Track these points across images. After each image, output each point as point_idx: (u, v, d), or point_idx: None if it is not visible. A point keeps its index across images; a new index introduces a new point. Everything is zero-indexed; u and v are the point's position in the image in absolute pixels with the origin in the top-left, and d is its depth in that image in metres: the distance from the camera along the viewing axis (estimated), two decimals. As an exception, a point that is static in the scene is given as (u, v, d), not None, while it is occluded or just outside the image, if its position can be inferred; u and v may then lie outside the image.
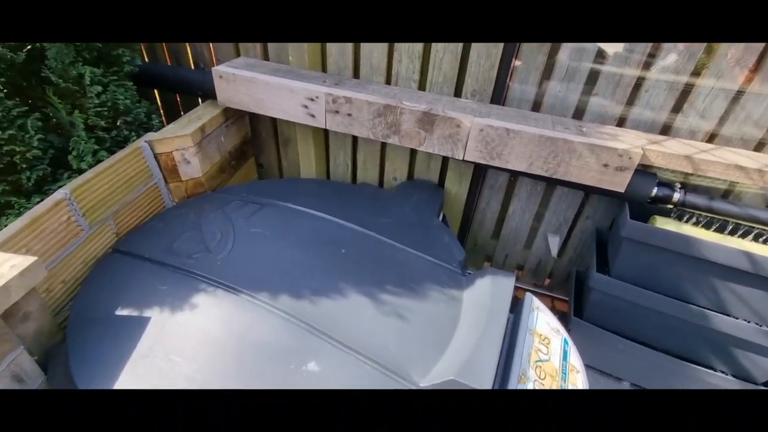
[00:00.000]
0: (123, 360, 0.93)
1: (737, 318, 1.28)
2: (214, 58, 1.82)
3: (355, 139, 1.85)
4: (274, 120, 1.94)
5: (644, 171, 1.34)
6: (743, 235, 1.28)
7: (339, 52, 1.60)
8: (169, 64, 1.89)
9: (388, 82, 1.61)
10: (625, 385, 1.59)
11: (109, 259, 1.24)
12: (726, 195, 1.41)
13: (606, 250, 1.54)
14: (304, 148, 1.89)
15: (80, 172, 1.26)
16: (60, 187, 1.17)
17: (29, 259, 0.90)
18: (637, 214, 1.33)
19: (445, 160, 1.76)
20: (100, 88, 1.29)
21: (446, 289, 1.19)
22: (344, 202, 1.56)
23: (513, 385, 0.94)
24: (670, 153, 1.24)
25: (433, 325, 1.07)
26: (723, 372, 1.38)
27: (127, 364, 0.92)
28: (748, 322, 1.27)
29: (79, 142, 1.26)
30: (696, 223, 1.34)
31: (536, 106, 1.50)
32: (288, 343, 0.97)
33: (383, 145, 1.81)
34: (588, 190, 1.52)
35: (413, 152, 1.79)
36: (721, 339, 1.32)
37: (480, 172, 1.71)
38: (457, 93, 1.55)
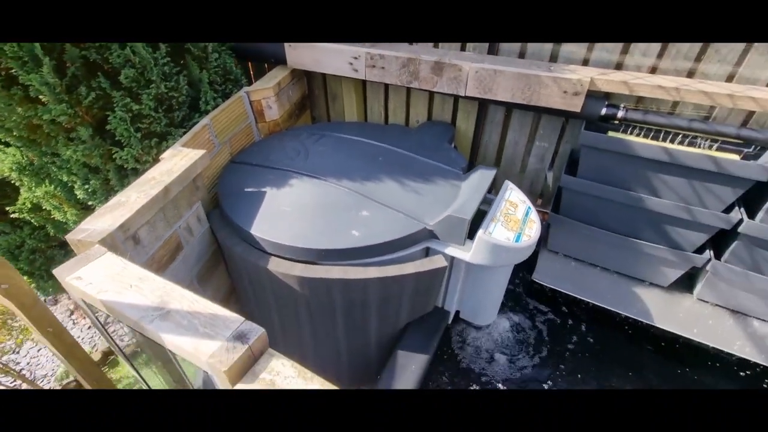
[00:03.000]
0: (253, 207, 1.59)
1: (665, 199, 1.76)
2: (280, 34, 2.44)
3: (386, 92, 2.43)
4: (324, 80, 2.55)
5: (596, 95, 1.82)
6: (672, 140, 1.75)
7: (374, 22, 2.17)
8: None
9: (410, 43, 2.16)
10: (596, 270, 2.10)
11: (230, 166, 1.91)
12: (672, 112, 1.87)
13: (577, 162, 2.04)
14: (348, 101, 2.50)
15: (206, 113, 1.92)
16: (198, 121, 1.84)
17: (201, 151, 1.57)
18: (595, 131, 1.82)
19: (456, 103, 2.30)
20: (216, 55, 1.94)
21: (450, 179, 1.76)
22: (379, 132, 2.15)
23: (486, 223, 1.51)
24: (611, 80, 1.73)
25: (439, 196, 1.65)
26: (661, 245, 1.87)
27: (256, 210, 1.58)
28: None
29: (207, 92, 1.92)
30: (638, 134, 1.82)
31: (521, 55, 2.01)
32: (349, 201, 1.60)
33: (408, 94, 2.37)
34: (557, 114, 2.02)
35: (431, 99, 2.34)
36: (656, 218, 1.81)
37: (482, 110, 2.25)
38: (462, 48, 2.08)
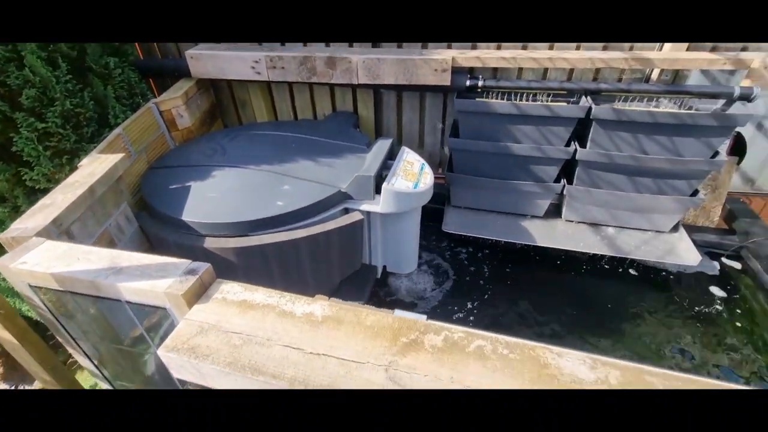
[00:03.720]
0: (181, 199, 1.73)
1: (523, 144, 2.25)
2: (178, 50, 2.58)
3: (291, 92, 2.68)
4: (231, 88, 2.72)
5: (461, 71, 2.26)
6: (520, 98, 2.24)
7: (268, 30, 2.42)
8: (141, 57, 2.62)
9: (305, 44, 2.45)
10: (489, 214, 2.55)
11: (150, 171, 2.01)
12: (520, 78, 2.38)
13: (459, 128, 2.48)
14: (257, 105, 2.71)
15: (117, 126, 2.01)
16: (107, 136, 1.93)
17: (120, 155, 1.68)
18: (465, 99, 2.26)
19: (354, 94, 2.63)
20: (119, 71, 2.04)
21: (356, 153, 2.06)
22: (290, 126, 2.39)
23: (389, 178, 1.83)
24: (468, 57, 2.18)
25: (348, 166, 1.94)
26: (529, 180, 2.36)
27: (184, 201, 1.72)
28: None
29: (115, 106, 2.01)
30: (498, 97, 2.29)
31: (399, 46, 2.41)
32: (270, 180, 1.82)
33: (311, 91, 2.65)
34: (435, 90, 2.44)
35: (332, 93, 2.65)
36: (521, 160, 2.29)
37: (377, 97, 2.60)
38: (350, 45, 2.42)
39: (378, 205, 1.82)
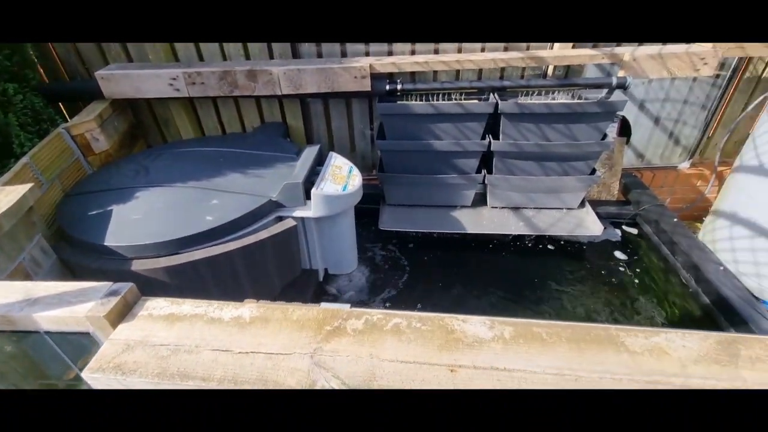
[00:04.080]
0: (102, 224, 1.68)
1: (443, 140, 2.43)
2: (87, 71, 2.46)
3: (216, 107, 2.66)
4: (151, 107, 2.65)
5: (380, 77, 2.40)
6: (438, 98, 2.42)
7: (184, 46, 2.40)
8: (46, 81, 2.47)
9: (224, 58, 2.46)
10: (422, 208, 2.70)
11: (65, 199, 1.92)
12: (437, 80, 2.56)
13: (385, 131, 2.61)
14: (181, 123, 2.65)
15: (24, 155, 1.89)
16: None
17: (28, 184, 1.60)
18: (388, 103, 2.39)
19: (281, 105, 2.67)
20: (21, 97, 1.93)
21: (286, 162, 2.11)
22: (217, 141, 2.39)
23: (317, 183, 1.90)
24: (384, 63, 2.32)
25: (278, 175, 1.99)
26: (453, 174, 2.54)
27: (105, 225, 1.68)
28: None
29: (19, 134, 1.89)
30: (418, 99, 2.45)
31: (319, 55, 2.49)
32: (198, 196, 1.82)
33: (237, 104, 2.65)
34: (359, 96, 2.56)
35: (258, 105, 2.67)
36: (444, 156, 2.47)
37: (304, 106, 2.67)
38: (271, 57, 2.47)
39: (310, 210, 1.89)
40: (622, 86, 2.25)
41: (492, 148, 2.40)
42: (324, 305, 1.09)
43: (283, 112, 2.70)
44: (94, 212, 1.76)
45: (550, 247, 2.61)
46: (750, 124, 2.71)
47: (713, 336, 0.93)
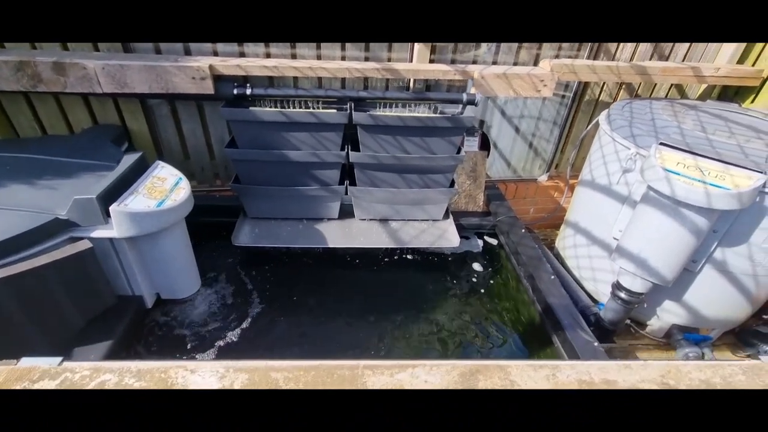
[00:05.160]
0: None
1: (301, 150, 2.29)
2: None
3: (29, 101, 2.23)
4: (-65, 100, 2.14)
5: (226, 79, 2.19)
6: (294, 105, 2.28)
7: (-28, 28, 1.95)
8: None
9: (33, 47, 2.06)
10: (285, 221, 2.53)
11: None
12: (295, 86, 2.41)
13: (241, 138, 2.40)
14: (-20, 119, 2.18)
15: None
16: None
17: None
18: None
19: (117, 105, 2.32)
20: None
21: (100, 172, 1.80)
22: (22, 144, 1.98)
23: (122, 198, 1.63)
24: (228, 65, 2.11)
25: (79, 188, 1.68)
26: (314, 185, 2.41)
27: None
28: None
29: None
30: (272, 105, 2.28)
31: (157, 51, 2.21)
32: (-51, 215, 1.44)
33: (58, 101, 2.25)
34: (201, 99, 2.32)
35: (87, 102, 2.29)
36: (303, 166, 2.33)
37: (145, 107, 2.35)
38: (96, 49, 2.12)
39: (113, 230, 1.61)
40: (472, 102, 2.31)
41: (351, 160, 2.32)
42: (25, 361, 0.86)
43: (120, 112, 2.35)
44: None
45: (416, 258, 2.60)
46: (591, 142, 2.98)
47: (459, 366, 0.88)
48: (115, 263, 1.76)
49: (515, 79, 2.36)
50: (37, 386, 0.79)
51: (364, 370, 0.87)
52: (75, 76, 1.95)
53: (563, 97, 2.84)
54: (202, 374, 0.84)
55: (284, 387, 0.83)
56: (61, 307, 1.59)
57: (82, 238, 1.60)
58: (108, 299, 1.77)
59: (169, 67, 2.01)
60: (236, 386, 0.82)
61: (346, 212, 2.63)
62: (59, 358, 0.87)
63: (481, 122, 2.84)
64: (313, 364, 0.87)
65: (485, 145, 2.81)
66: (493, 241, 2.75)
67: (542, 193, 3.23)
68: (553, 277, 2.13)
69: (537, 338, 2.06)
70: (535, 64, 2.59)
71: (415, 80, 2.49)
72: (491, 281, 2.48)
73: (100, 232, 1.61)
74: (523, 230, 2.51)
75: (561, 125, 2.97)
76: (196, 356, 1.86)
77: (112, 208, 1.57)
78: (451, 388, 0.84)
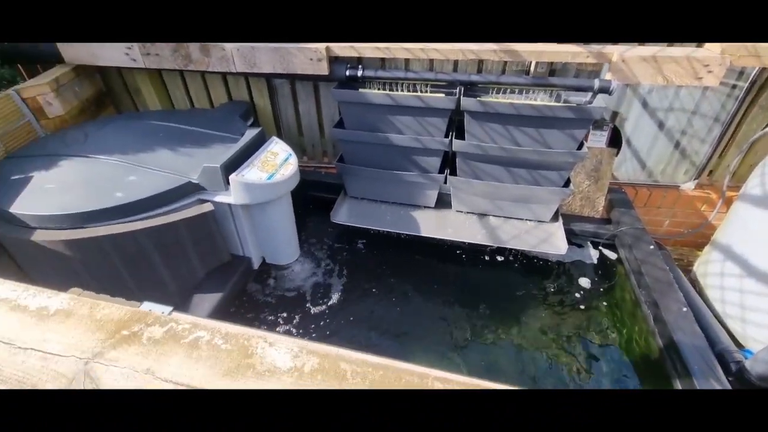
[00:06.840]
0: (16, 191, 1.67)
1: (404, 134, 2.24)
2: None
3: (184, 79, 2.61)
4: (121, 75, 2.64)
5: (340, 61, 2.24)
6: (403, 89, 2.23)
7: (147, 15, 2.34)
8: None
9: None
10: (383, 204, 2.55)
11: (2, 162, 1.93)
12: (407, 68, 2.37)
13: (348, 119, 2.46)
14: (147, 92, 2.63)
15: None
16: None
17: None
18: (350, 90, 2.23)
19: (247, 83, 2.58)
20: (-31, 56, 1.95)
21: (226, 143, 2.02)
22: (174, 115, 2.34)
23: (240, 169, 1.80)
24: (342, 47, 2.15)
25: (210, 157, 1.91)
26: (414, 171, 2.36)
27: (18, 193, 1.67)
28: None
29: (-37, 92, 1.92)
30: (380, 88, 2.27)
31: (284, 34, 2.36)
32: (116, 171, 1.77)
33: (204, 79, 2.59)
34: (318, 80, 2.41)
35: (225, 81, 2.59)
36: (404, 151, 2.29)
37: (270, 86, 2.56)
38: (234, 33, 2.36)
39: (230, 196, 1.80)
40: (605, 90, 1.97)
41: (453, 148, 2.20)
42: (146, 305, 1.00)
43: (250, 90, 2.61)
44: (16, 177, 1.76)
45: (513, 260, 2.39)
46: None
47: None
48: (231, 225, 1.98)
49: (668, 63, 1.93)
50: (148, 331, 0.91)
51: (434, 382, 0.80)
52: (216, 57, 2.21)
53: (734, 87, 2.25)
54: (278, 349, 0.87)
55: (350, 380, 0.81)
56: (188, 257, 1.85)
57: (206, 201, 1.82)
58: (224, 256, 2.01)
59: (291, 49, 2.14)
60: (306, 369, 0.83)
61: (443, 202, 2.53)
62: (170, 308, 1.00)
63: (614, 114, 2.42)
64: (382, 363, 0.83)
65: (616, 141, 2.40)
66: (612, 255, 2.37)
67: (684, 204, 2.66)
68: (685, 309, 1.75)
69: (651, 379, 1.72)
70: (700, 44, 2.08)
71: (537, 63, 2.22)
72: (603, 302, 2.15)
73: (221, 197, 1.81)
74: (652, 246, 2.10)
75: (724, 123, 2.37)
76: (280, 322, 2.02)
77: (231, 177, 1.75)
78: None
